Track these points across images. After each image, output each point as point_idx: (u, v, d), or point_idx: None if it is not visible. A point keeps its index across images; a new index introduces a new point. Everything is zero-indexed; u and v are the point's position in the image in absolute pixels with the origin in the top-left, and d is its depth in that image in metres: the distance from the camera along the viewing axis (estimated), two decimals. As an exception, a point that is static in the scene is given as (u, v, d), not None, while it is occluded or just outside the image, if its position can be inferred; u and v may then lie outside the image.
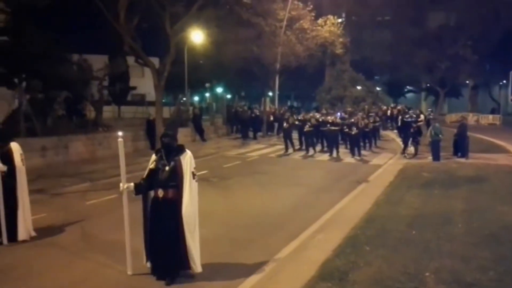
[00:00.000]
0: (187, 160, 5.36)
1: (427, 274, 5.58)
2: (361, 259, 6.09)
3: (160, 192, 5.31)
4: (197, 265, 5.48)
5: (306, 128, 18.54)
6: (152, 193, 5.45)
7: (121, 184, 5.38)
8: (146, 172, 5.47)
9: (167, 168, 5.32)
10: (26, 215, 7.28)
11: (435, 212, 8.71)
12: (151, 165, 5.45)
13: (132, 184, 5.41)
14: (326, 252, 6.41)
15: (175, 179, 5.29)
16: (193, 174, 5.35)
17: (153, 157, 5.48)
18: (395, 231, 7.40)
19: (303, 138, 19.63)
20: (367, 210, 8.90)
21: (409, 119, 18.70)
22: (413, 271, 5.67)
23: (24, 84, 16.20)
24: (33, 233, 7.40)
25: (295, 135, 19.95)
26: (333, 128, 18.23)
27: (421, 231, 7.38)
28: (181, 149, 5.47)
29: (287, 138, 19.21)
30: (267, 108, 28.48)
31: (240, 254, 6.68)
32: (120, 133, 5.48)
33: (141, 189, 5.46)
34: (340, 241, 6.94)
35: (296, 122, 19.81)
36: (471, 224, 7.76)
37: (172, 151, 5.40)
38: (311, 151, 18.70)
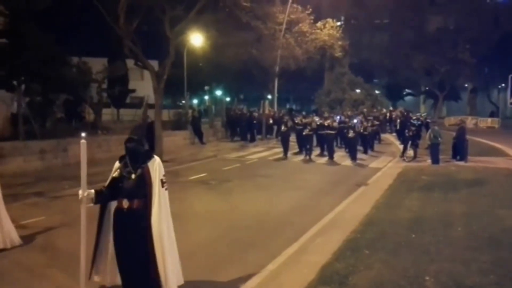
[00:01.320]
0: (156, 167, 4.76)
1: (427, 277, 5.57)
2: (361, 263, 6.07)
3: (125, 203, 4.69)
4: (170, 286, 4.78)
5: (306, 132, 18.37)
6: (113, 204, 4.87)
7: (80, 191, 4.74)
8: (108, 181, 4.89)
9: (133, 176, 4.74)
10: (4, 223, 6.93)
11: (435, 215, 8.70)
12: (114, 173, 4.88)
13: (92, 191, 4.79)
14: (326, 256, 6.40)
15: (142, 188, 4.71)
16: (162, 182, 4.78)
17: (117, 164, 4.90)
18: (395, 234, 7.39)
19: (300, 142, 19.47)
20: (367, 213, 8.89)
21: (417, 122, 18.97)
22: (413, 275, 5.65)
23: (23, 86, 16.18)
24: (18, 242, 7.03)
25: (293, 137, 19.91)
26: (330, 132, 18.09)
27: (421, 234, 7.37)
28: (148, 155, 4.87)
29: (285, 141, 19.05)
30: (266, 111, 28.50)
31: (240, 257, 6.67)
32: (83, 134, 5.06)
33: (102, 198, 4.84)
34: (339, 244, 6.92)
35: (297, 126, 19.67)
36: (471, 228, 7.75)
37: (138, 158, 4.79)
38: (307, 155, 18.32)
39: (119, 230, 4.75)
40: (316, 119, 20.30)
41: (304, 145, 18.83)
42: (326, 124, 18.43)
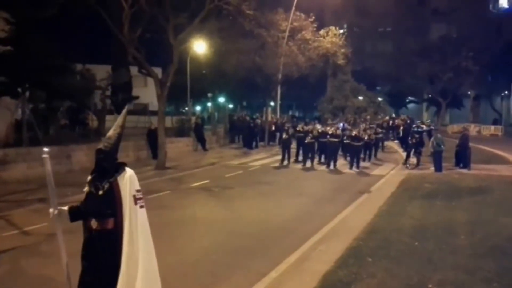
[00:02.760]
0: (126, 182, 4.12)
1: (430, 286, 5.55)
2: (363, 271, 6.05)
3: (94, 223, 4.10)
4: None
5: (308, 139, 18.14)
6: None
7: (50, 210, 4.26)
8: (84, 196, 4.29)
9: (100, 192, 4.11)
10: None
11: (438, 223, 8.67)
12: (86, 187, 4.27)
13: (65, 208, 4.30)
14: (328, 263, 6.38)
15: (111, 206, 4.07)
16: (136, 199, 4.12)
17: (89, 177, 4.27)
18: (398, 242, 7.37)
19: (301, 150, 19.19)
20: (370, 221, 8.87)
21: (418, 129, 18.90)
22: (416, 283, 5.63)
23: (27, 93, 16.28)
24: None
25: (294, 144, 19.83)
26: (332, 139, 17.89)
27: (424, 242, 7.35)
28: (119, 168, 4.20)
29: (285, 149, 18.83)
30: (269, 118, 28.54)
31: (242, 264, 6.66)
32: (45, 149, 4.60)
33: (77, 215, 4.29)
34: (342, 252, 6.91)
35: (297, 134, 19.51)
36: (474, 236, 7.72)
37: (107, 171, 4.15)
38: (309, 163, 18.14)
39: (89, 255, 4.17)
40: (318, 126, 20.15)
41: (306, 153, 18.61)
42: (330, 132, 18.22)
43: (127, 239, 4.03)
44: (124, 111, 4.56)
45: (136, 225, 4.08)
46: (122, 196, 4.10)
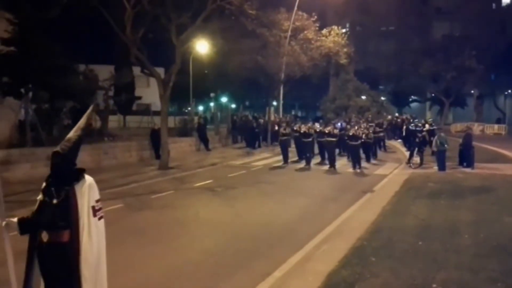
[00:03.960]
0: (85, 191, 3.71)
1: (434, 285, 5.52)
2: (367, 270, 6.04)
3: (45, 236, 3.64)
4: None
5: (305, 139, 17.91)
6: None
7: None
8: (36, 205, 3.82)
9: (55, 201, 3.67)
10: None
11: (442, 223, 8.64)
12: (40, 195, 3.82)
13: (14, 219, 3.81)
14: (332, 263, 6.36)
15: (66, 217, 3.64)
16: (94, 210, 3.71)
17: (44, 183, 3.85)
18: (402, 242, 7.35)
19: (300, 149, 19.00)
20: (373, 221, 8.84)
21: (414, 128, 18.64)
22: (420, 283, 5.61)
23: (30, 94, 16.33)
24: None
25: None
26: (330, 139, 17.55)
27: (428, 242, 7.32)
28: (77, 175, 3.77)
29: (284, 149, 18.61)
30: (272, 118, 28.53)
31: (245, 264, 6.65)
32: None
33: (28, 226, 3.79)
34: (346, 252, 6.89)
35: (294, 133, 19.24)
36: (478, 235, 7.68)
37: (64, 178, 3.73)
38: (306, 163, 17.81)
39: (43, 271, 3.74)
40: (317, 126, 19.94)
41: (304, 153, 18.39)
42: (326, 131, 17.88)
43: (85, 256, 3.63)
44: (88, 111, 4.19)
45: (94, 239, 3.68)
46: (80, 206, 3.67)
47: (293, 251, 7.11)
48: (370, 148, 19.57)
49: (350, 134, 17.75)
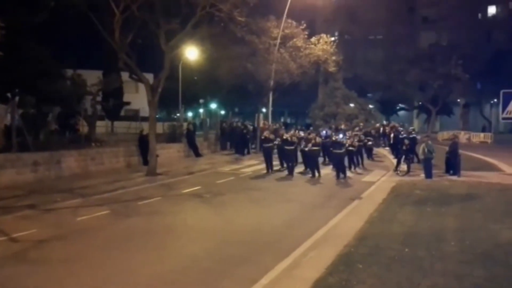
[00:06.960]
0: None
1: (420, 292, 5.56)
2: (354, 277, 6.06)
3: None
4: None
5: (288, 147, 17.44)
6: None
7: None
8: None
9: None
10: None
11: (428, 230, 8.71)
12: None
13: None
14: (319, 270, 6.37)
15: None
16: None
17: None
18: (388, 249, 7.39)
19: (282, 157, 18.51)
20: (360, 228, 8.88)
21: (403, 136, 18.81)
22: (406, 290, 5.64)
23: (17, 99, 16.14)
24: None
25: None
26: (314, 148, 17.10)
27: (414, 249, 7.38)
28: None
29: (267, 156, 18.18)
30: (261, 125, 28.55)
31: (233, 271, 6.63)
32: None
33: None
34: (333, 258, 6.91)
35: (276, 142, 18.66)
36: (464, 242, 7.76)
37: None
38: (290, 173, 17.32)
39: None
40: (301, 133, 19.63)
41: (286, 161, 17.94)
42: (308, 139, 17.31)
43: None
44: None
45: None
46: None
47: (281, 257, 7.11)
48: (354, 157, 18.93)
49: (333, 139, 17.49)
